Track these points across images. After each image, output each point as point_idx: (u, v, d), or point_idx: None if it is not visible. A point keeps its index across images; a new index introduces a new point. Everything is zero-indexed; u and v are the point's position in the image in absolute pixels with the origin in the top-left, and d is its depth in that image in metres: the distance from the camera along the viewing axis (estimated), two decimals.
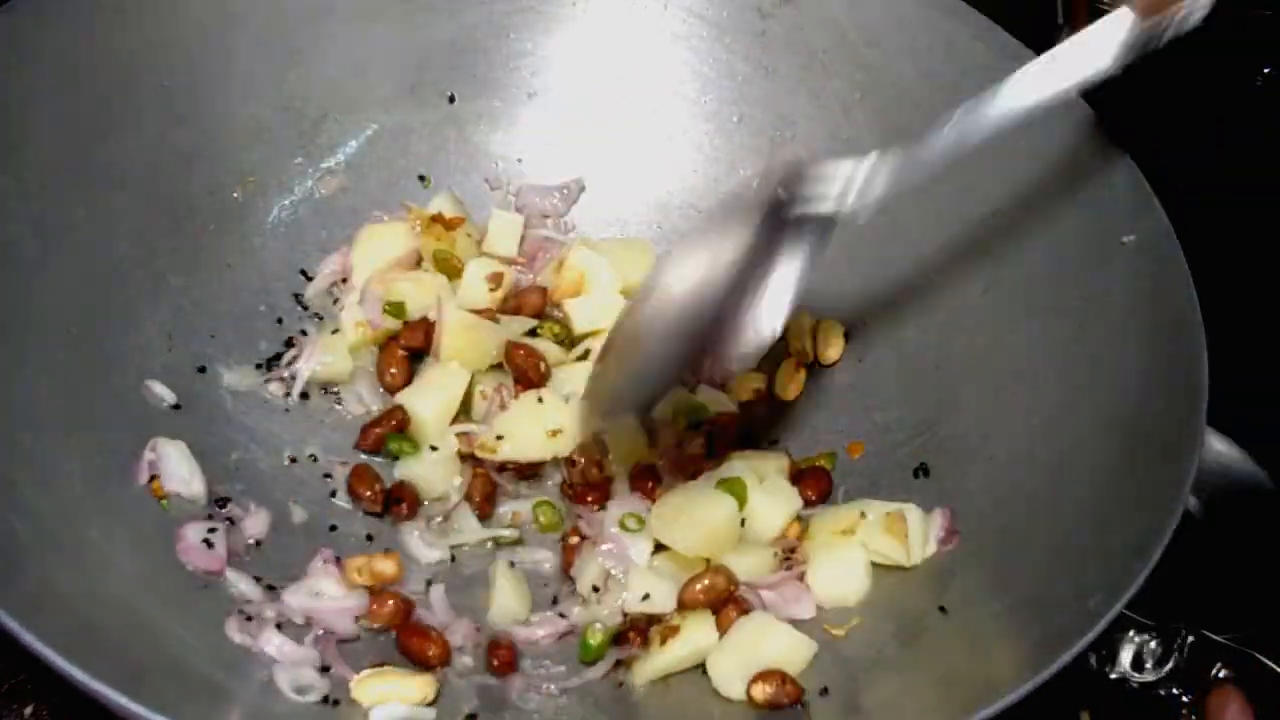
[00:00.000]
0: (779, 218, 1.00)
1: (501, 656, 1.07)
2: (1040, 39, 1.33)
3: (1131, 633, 1.17)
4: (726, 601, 1.11)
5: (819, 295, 1.34)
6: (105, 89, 1.18)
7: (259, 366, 1.25)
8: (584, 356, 1.27)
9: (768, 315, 0.98)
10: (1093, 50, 0.95)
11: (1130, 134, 1.20)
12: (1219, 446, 1.36)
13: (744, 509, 1.15)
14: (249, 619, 1.03)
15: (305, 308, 1.31)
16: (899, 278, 1.32)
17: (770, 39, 1.38)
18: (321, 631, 1.06)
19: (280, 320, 1.29)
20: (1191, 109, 1.52)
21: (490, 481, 1.20)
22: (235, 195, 1.30)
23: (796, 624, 1.10)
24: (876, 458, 1.26)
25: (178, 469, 1.12)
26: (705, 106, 1.41)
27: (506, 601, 1.12)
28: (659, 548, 1.15)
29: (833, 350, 1.33)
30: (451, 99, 1.40)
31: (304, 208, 1.34)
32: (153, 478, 1.11)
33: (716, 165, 1.42)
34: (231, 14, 1.27)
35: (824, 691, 1.05)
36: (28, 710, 1.09)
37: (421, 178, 1.39)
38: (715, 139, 1.41)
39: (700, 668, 1.08)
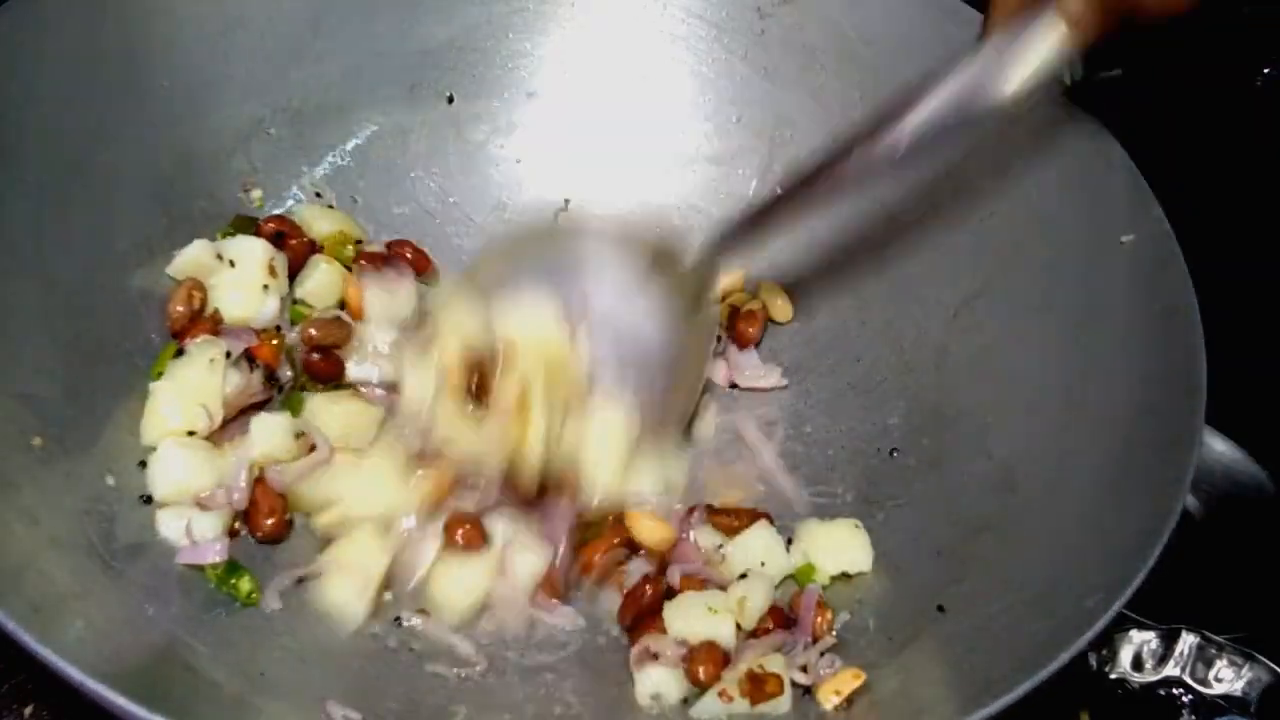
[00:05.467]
0: None
1: None
2: None
3: (1131, 633, 1.17)
4: None
5: (814, 296, 1.36)
6: (105, 89, 1.18)
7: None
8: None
9: None
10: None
11: (1130, 134, 1.20)
12: (1219, 446, 1.36)
13: None
14: None
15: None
16: (898, 278, 1.32)
17: (769, 39, 1.38)
18: None
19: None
20: (1191, 109, 1.52)
21: None
22: (235, 195, 1.30)
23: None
24: (875, 458, 1.26)
25: None
26: (705, 106, 1.41)
27: None
28: None
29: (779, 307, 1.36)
30: (450, 99, 1.40)
31: (303, 208, 1.34)
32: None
33: (716, 165, 1.42)
34: (231, 14, 1.27)
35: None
36: (28, 710, 1.09)
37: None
38: (715, 139, 1.41)
39: None
